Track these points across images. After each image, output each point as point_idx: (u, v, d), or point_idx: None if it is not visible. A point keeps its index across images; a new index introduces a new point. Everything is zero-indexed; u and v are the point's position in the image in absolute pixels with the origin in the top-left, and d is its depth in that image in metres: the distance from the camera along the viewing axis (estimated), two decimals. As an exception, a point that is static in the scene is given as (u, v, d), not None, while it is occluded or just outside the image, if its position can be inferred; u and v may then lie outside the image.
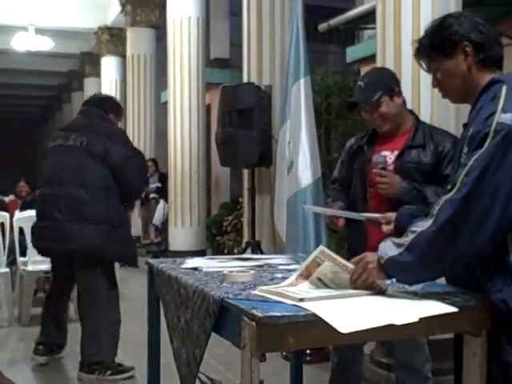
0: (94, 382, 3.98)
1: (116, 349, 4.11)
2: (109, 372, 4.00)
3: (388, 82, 2.80)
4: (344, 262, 1.95)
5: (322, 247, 2.03)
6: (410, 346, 2.77)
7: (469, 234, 1.70)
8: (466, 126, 1.91)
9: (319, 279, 1.96)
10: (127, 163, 4.08)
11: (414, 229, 1.79)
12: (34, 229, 4.32)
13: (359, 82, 2.83)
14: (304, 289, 1.91)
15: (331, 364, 3.08)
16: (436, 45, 1.93)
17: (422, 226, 1.77)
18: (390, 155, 2.74)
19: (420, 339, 2.75)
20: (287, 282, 2.02)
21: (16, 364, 4.46)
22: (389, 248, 1.83)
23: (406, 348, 2.78)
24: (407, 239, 1.79)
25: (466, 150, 1.79)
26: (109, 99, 4.55)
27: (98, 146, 4.05)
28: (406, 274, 1.83)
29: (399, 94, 2.78)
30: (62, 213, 4.01)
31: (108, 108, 4.32)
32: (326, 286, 1.94)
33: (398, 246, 1.80)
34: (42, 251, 4.43)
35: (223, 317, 1.88)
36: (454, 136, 2.79)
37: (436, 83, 1.99)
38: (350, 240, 2.96)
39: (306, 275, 1.99)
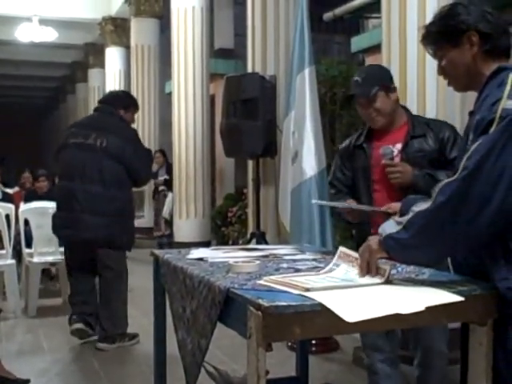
0: (115, 349, 4.57)
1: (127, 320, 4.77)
2: (126, 339, 4.69)
3: (384, 78, 2.89)
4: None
5: (340, 248, 2.08)
6: (433, 330, 2.76)
7: (467, 217, 1.70)
8: (472, 113, 1.90)
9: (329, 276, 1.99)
10: (136, 159, 4.64)
11: (413, 208, 1.83)
12: (54, 218, 4.77)
13: (355, 77, 2.90)
14: (312, 279, 1.91)
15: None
16: (442, 33, 1.92)
17: (422, 206, 1.79)
18: (395, 148, 2.80)
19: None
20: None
21: (23, 355, 4.48)
22: (389, 226, 1.88)
23: (429, 333, 2.77)
24: (406, 218, 1.82)
25: (471, 136, 1.79)
26: (118, 96, 5.01)
27: (114, 147, 4.56)
28: (403, 252, 1.83)
29: (394, 90, 2.86)
30: (81, 205, 4.52)
31: (118, 105, 4.77)
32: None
33: (398, 223, 1.84)
34: (62, 239, 5.13)
35: (229, 307, 1.89)
36: (450, 124, 2.92)
37: (441, 71, 1.98)
38: (357, 229, 3.04)
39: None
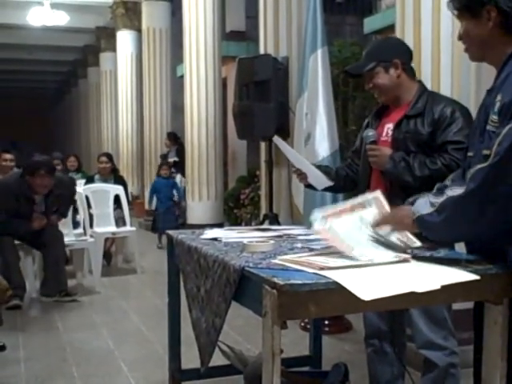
0: None
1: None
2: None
3: (386, 53, 2.69)
4: None
5: (379, 192, 2.11)
6: (429, 323, 2.65)
7: (497, 204, 1.69)
8: (490, 91, 1.88)
9: (361, 218, 2.03)
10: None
11: (448, 192, 1.86)
12: None
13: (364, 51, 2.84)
14: (331, 259, 1.91)
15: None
16: (463, 2, 1.91)
17: (456, 191, 1.81)
18: (391, 127, 2.67)
19: (440, 315, 2.63)
20: (330, 211, 2.04)
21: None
22: (424, 205, 1.89)
23: (425, 326, 2.66)
24: (439, 200, 1.84)
25: (495, 117, 1.76)
26: None
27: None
28: (434, 233, 1.88)
29: (396, 65, 2.65)
30: None
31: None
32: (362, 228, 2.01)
33: (432, 205, 1.86)
34: None
35: (244, 286, 1.90)
36: (457, 103, 2.69)
37: (459, 36, 1.98)
38: (358, 189, 2.87)
39: (350, 210, 2.06)
